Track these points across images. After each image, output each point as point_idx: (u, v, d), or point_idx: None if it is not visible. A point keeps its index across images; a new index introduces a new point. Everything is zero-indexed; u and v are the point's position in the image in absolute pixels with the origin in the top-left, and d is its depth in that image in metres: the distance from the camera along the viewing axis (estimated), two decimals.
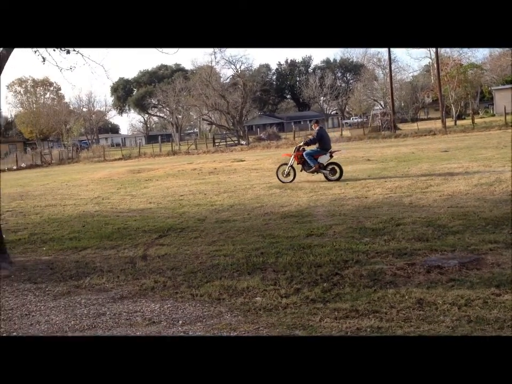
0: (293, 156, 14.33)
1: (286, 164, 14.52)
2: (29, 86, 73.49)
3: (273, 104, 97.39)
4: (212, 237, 7.99)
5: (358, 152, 24.54)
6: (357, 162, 19.11)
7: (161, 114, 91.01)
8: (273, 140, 45.15)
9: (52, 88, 76.03)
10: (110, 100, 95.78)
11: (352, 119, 74.28)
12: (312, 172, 14.12)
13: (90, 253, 7.50)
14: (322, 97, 76.97)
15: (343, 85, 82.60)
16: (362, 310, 4.41)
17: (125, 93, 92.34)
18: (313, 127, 15.31)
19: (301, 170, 14.46)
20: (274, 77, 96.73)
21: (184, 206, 11.50)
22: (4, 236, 7.38)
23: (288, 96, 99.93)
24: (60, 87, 76.93)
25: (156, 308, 4.94)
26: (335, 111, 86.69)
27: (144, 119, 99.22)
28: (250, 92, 59.25)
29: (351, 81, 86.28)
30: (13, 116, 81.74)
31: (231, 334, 4.13)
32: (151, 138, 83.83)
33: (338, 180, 13.63)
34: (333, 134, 43.67)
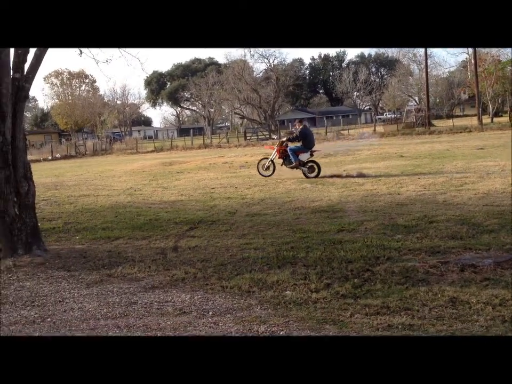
0: (275, 150, 14.75)
1: (267, 158, 15.08)
2: (65, 78, 74.84)
3: (306, 99, 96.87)
4: (242, 230, 8.00)
5: (391, 148, 24.26)
6: (390, 159, 18.89)
7: (193, 108, 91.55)
8: None
9: (87, 81, 77.35)
10: (144, 92, 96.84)
11: (386, 114, 73.43)
12: (292, 168, 14.43)
13: (123, 243, 7.60)
14: (355, 92, 76.25)
15: (377, 80, 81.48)
16: (394, 307, 4.36)
17: (158, 86, 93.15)
18: (296, 125, 15.55)
19: (281, 165, 14.76)
20: (308, 71, 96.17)
21: (215, 199, 11.56)
22: (39, 224, 7.53)
23: (321, 91, 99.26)
24: (95, 80, 78.21)
25: (186, 299, 4.98)
26: (368, 107, 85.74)
27: (177, 112, 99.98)
28: (283, 86, 59.09)
29: (386, 76, 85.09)
30: (49, 107, 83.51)
31: (260, 328, 4.14)
32: (183, 131, 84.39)
33: (316, 177, 13.97)
34: (365, 130, 43.26)
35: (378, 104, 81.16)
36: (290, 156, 14.23)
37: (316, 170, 14.11)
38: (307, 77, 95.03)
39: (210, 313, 4.57)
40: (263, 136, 49.81)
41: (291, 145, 14.63)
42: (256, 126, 57.39)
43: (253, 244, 6.99)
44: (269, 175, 14.74)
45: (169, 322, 4.38)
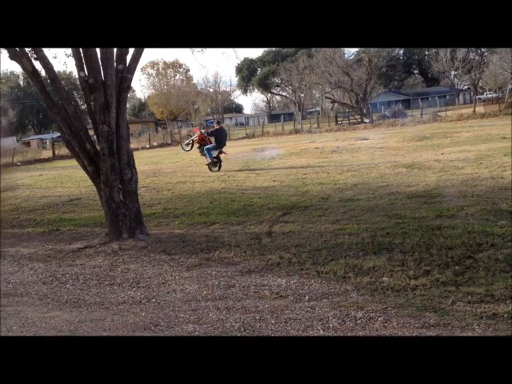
0: (197, 134, 17.46)
1: (190, 136, 19.21)
2: (160, 68, 77.41)
3: (400, 80, 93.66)
4: (335, 215, 7.96)
5: (493, 130, 22.93)
6: (491, 141, 17.88)
7: (283, 93, 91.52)
8: (398, 117, 43.54)
9: (181, 70, 79.55)
10: (235, 80, 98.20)
11: (486, 94, 69.44)
12: (207, 162, 16.73)
13: (218, 228, 7.82)
14: (453, 72, 72.69)
15: (477, 58, 77.12)
16: (499, 295, 4.18)
17: (249, 72, 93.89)
18: (215, 125, 18.08)
19: (197, 148, 17.43)
20: (401, 51, 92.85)
21: (307, 185, 11.55)
22: (141, 210, 7.91)
23: (415, 71, 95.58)
24: (188, 69, 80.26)
25: (282, 283, 5.05)
26: (467, 86, 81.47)
27: (267, 98, 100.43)
28: (376, 68, 57.41)
29: (486, 53, 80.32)
30: (146, 97, 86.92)
31: (358, 313, 4.12)
32: (273, 117, 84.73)
33: (217, 171, 16.18)
34: (464, 111, 41.19)
35: (478, 83, 76.86)
36: (206, 153, 16.57)
37: (218, 166, 16.51)
38: (401, 58, 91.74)
39: (307, 297, 4.61)
40: (355, 120, 48.85)
41: (210, 141, 16.86)
42: (347, 110, 56.31)
43: (346, 229, 6.93)
44: (188, 150, 18.68)
45: (266, 306, 4.48)
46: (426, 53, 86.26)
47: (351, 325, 3.94)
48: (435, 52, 75.69)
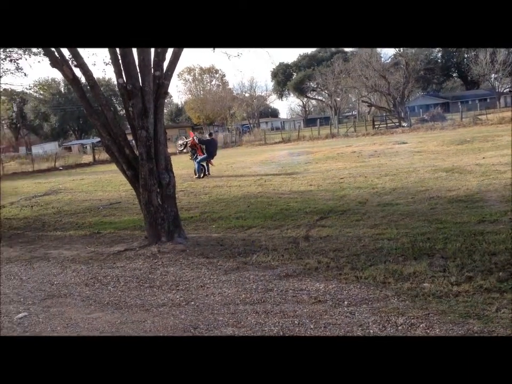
0: (191, 138, 18.16)
1: (185, 138, 20.02)
2: (196, 74, 78.24)
3: (438, 83, 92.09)
4: (374, 220, 7.87)
5: None
6: None
7: (319, 98, 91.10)
8: (437, 121, 42.78)
9: (217, 75, 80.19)
10: (271, 84, 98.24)
11: None
12: (196, 171, 17.60)
13: (256, 232, 7.83)
14: (493, 75, 71.04)
15: None
16: None
17: (284, 77, 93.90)
18: (207, 135, 19.53)
19: (189, 151, 18.25)
20: (440, 54, 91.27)
21: (345, 189, 11.47)
22: (179, 214, 7.99)
23: (454, 75, 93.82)
24: (224, 74, 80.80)
25: (320, 288, 5.02)
26: (508, 89, 79.48)
27: (303, 103, 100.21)
28: (413, 71, 56.56)
29: None
30: (183, 103, 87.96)
31: (399, 319, 4.05)
32: (309, 122, 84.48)
33: (202, 178, 17.15)
34: (506, 114, 40.15)
35: None
36: (196, 165, 17.52)
37: (203, 174, 17.47)
38: (439, 60, 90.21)
39: (346, 302, 4.56)
40: (392, 124, 48.20)
41: (201, 149, 17.63)
42: (384, 114, 55.63)
43: (385, 234, 6.85)
44: (181, 150, 20.11)
45: (305, 310, 4.45)
46: (466, 55, 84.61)
47: (392, 331, 3.88)
48: (474, 54, 74.18)
